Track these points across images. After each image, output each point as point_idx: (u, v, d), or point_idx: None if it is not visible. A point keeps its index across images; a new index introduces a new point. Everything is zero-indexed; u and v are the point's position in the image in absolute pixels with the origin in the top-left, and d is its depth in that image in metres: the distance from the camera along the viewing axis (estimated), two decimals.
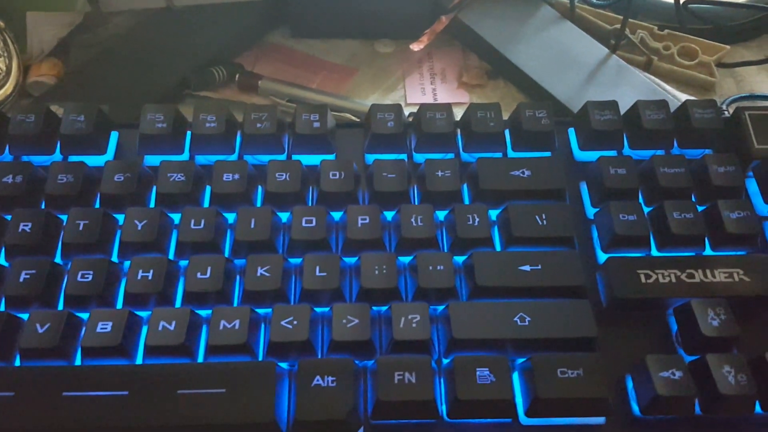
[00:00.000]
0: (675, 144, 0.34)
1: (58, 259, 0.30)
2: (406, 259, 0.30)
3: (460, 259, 0.31)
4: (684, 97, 0.41)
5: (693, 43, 0.44)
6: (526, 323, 0.28)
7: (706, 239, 0.31)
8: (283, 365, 0.28)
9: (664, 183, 0.31)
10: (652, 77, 0.42)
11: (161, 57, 0.45)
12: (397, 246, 0.30)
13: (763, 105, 0.41)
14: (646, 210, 0.32)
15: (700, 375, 0.27)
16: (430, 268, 0.29)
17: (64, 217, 0.31)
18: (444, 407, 0.27)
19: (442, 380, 0.27)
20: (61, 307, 0.29)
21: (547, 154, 0.34)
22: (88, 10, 0.43)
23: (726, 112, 0.38)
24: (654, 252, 0.31)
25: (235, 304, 0.29)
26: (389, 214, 0.32)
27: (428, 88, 0.44)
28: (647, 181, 0.32)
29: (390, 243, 0.31)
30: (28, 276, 0.29)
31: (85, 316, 0.28)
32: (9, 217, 0.30)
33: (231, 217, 0.32)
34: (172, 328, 0.27)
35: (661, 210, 0.31)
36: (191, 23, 0.45)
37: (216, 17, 0.45)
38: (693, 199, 0.32)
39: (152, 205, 0.32)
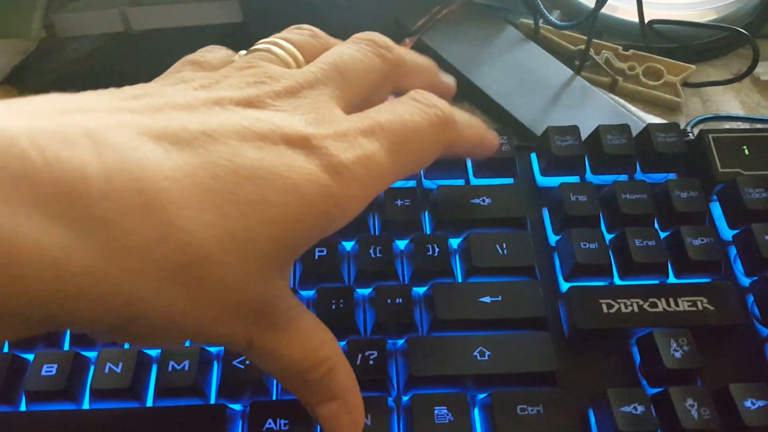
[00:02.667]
0: (638, 168, 0.34)
1: None
2: (364, 292, 0.30)
3: (420, 290, 0.30)
4: (650, 118, 0.41)
5: (658, 63, 0.43)
6: (486, 358, 0.27)
7: (669, 267, 0.30)
8: (237, 407, 0.27)
9: (625, 209, 0.31)
10: (617, 98, 0.42)
11: (122, 82, 0.44)
12: (356, 278, 0.30)
13: (730, 126, 0.41)
14: (608, 237, 0.31)
15: (662, 409, 0.26)
16: (389, 301, 0.28)
17: None
18: None
19: (401, 419, 0.26)
20: (5, 350, 0.28)
21: (510, 180, 0.33)
22: (43, 36, 0.42)
23: (690, 134, 0.37)
24: (617, 280, 0.30)
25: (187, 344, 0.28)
26: (348, 244, 0.31)
27: None
28: (609, 208, 0.32)
29: (348, 276, 0.30)
30: None
31: (30, 357, 0.27)
32: None
33: None
34: (118, 369, 0.26)
35: (623, 237, 0.30)
36: (151, 47, 0.44)
37: (176, 41, 0.44)
38: (656, 225, 0.32)
39: None
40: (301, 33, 0.26)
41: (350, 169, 0.21)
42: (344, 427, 0.23)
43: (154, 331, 0.18)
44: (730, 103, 0.43)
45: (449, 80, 0.30)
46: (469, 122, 0.27)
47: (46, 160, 0.16)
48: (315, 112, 0.22)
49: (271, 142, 0.20)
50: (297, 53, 0.25)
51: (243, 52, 0.26)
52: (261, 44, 0.26)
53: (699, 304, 0.29)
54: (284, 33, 0.27)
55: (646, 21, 0.43)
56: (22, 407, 0.27)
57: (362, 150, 0.22)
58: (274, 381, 0.27)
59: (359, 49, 0.25)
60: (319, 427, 0.26)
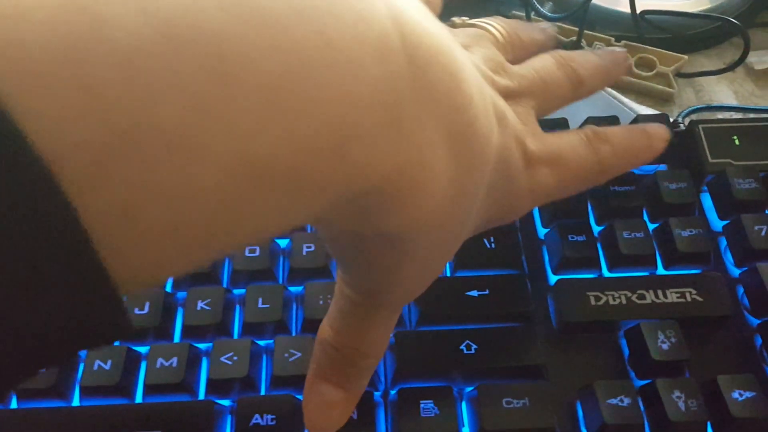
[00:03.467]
0: None
1: None
2: None
3: None
4: (642, 109, 0.40)
5: (650, 53, 0.43)
6: (473, 351, 0.27)
7: (658, 258, 0.30)
8: (225, 402, 0.27)
9: (614, 201, 0.31)
10: (610, 90, 0.41)
11: None
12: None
13: (723, 116, 0.41)
14: (597, 229, 0.31)
15: (650, 400, 0.26)
16: None
17: None
18: None
19: (388, 413, 0.27)
20: None
21: None
22: None
23: (682, 125, 0.37)
24: (605, 273, 0.30)
25: (176, 340, 0.28)
26: None
27: None
28: (597, 200, 0.31)
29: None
30: None
31: None
32: None
33: None
34: (107, 367, 0.26)
35: (612, 229, 0.30)
36: None
37: None
38: (645, 216, 0.32)
39: None
40: (512, 26, 0.27)
41: (548, 195, 0.24)
42: (334, 417, 0.23)
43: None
44: (724, 92, 0.43)
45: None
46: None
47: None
48: (526, 124, 0.23)
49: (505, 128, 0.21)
50: (510, 44, 0.26)
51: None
52: (479, 21, 0.26)
53: (688, 295, 0.29)
54: (497, 20, 0.27)
55: (638, 11, 0.43)
56: (13, 404, 0.27)
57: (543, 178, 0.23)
58: (262, 376, 0.27)
59: (561, 69, 0.26)
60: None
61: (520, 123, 0.22)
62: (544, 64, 0.26)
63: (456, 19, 0.27)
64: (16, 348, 0.11)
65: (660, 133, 0.28)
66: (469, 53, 0.23)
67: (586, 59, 0.27)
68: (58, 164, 0.10)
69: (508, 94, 0.23)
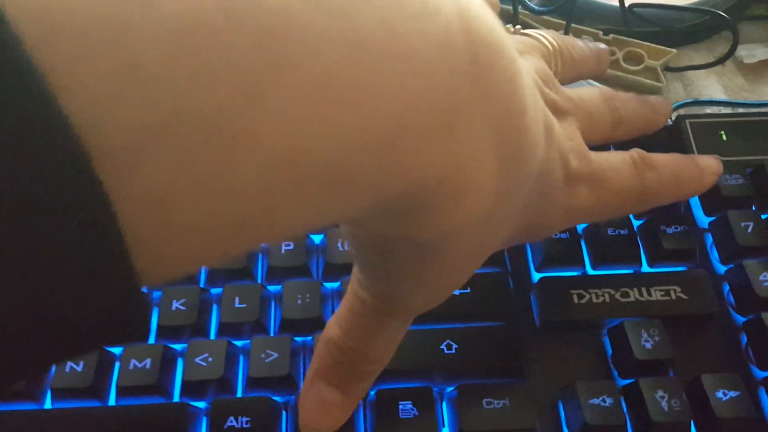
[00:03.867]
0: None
1: None
2: (333, 285, 0.29)
3: None
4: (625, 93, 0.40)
5: (639, 47, 0.43)
6: (453, 351, 0.27)
7: (642, 256, 0.30)
8: (200, 405, 0.26)
9: None
10: (597, 84, 0.41)
11: None
12: (324, 272, 0.29)
13: (711, 111, 0.40)
14: (581, 226, 0.30)
15: (633, 400, 0.26)
16: None
17: None
18: None
19: (367, 414, 0.26)
20: None
21: None
22: None
23: (669, 120, 0.36)
24: (589, 270, 0.30)
25: (151, 341, 0.28)
26: (316, 238, 0.31)
27: None
28: None
29: (317, 269, 0.30)
30: None
31: None
32: None
33: None
34: (80, 368, 0.26)
35: (596, 226, 0.29)
36: None
37: None
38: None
39: None
40: (563, 41, 0.27)
41: (584, 215, 0.23)
42: (330, 419, 0.23)
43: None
44: (713, 87, 0.42)
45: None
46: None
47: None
48: (571, 140, 0.22)
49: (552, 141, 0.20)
50: (560, 61, 0.26)
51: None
52: (531, 32, 0.26)
53: (672, 293, 0.29)
54: (549, 32, 0.27)
55: (626, 4, 0.43)
56: None
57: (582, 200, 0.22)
58: (239, 378, 0.27)
59: (605, 104, 0.26)
60: (284, 423, 0.26)
61: (566, 138, 0.21)
62: (590, 94, 0.25)
63: (510, 27, 0.26)
64: (22, 335, 0.10)
65: (712, 166, 0.27)
66: (522, 60, 0.22)
67: (628, 99, 0.27)
68: (92, 143, 0.09)
69: (555, 109, 0.22)
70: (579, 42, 0.28)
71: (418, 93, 0.13)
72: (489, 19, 0.15)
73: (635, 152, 0.24)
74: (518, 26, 0.26)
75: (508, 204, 0.17)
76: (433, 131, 0.14)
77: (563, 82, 0.25)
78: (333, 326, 0.22)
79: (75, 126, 0.09)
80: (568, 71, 0.26)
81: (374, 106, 0.12)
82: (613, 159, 0.24)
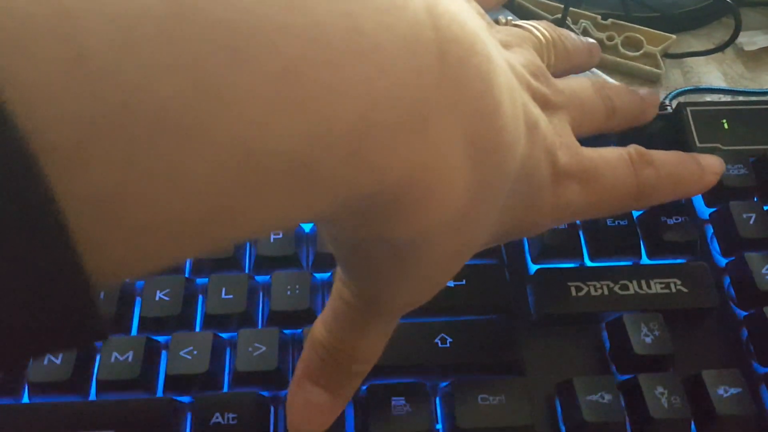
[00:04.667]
0: (613, 145, 0.32)
1: None
2: (323, 276, 0.28)
3: None
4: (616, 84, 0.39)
5: (638, 32, 0.42)
6: (447, 345, 0.26)
7: (642, 247, 0.29)
8: (185, 400, 0.25)
9: None
10: (596, 70, 0.40)
11: None
12: (314, 263, 0.28)
13: (711, 99, 0.40)
14: None
15: (631, 396, 0.25)
16: None
17: None
18: None
19: (358, 411, 0.25)
20: None
21: None
22: None
23: (669, 107, 0.36)
24: (587, 262, 0.29)
25: (133, 333, 0.27)
26: (306, 226, 0.30)
27: None
28: None
29: (307, 260, 0.29)
30: None
31: None
32: None
33: None
34: (58, 361, 0.25)
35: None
36: None
37: None
38: None
39: None
40: (556, 33, 0.26)
41: (574, 213, 0.22)
42: (318, 420, 0.22)
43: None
44: (712, 74, 0.42)
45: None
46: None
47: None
48: (560, 136, 0.21)
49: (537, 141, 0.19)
50: (553, 53, 0.25)
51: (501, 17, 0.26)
52: (522, 23, 0.25)
53: (672, 286, 0.28)
54: (540, 23, 0.26)
55: None
56: None
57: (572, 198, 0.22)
58: (225, 372, 0.26)
59: (597, 94, 0.25)
60: (273, 419, 0.25)
61: (553, 133, 0.21)
62: (582, 85, 0.25)
63: (501, 18, 0.25)
64: None
65: (714, 165, 0.26)
66: (509, 53, 0.21)
67: (620, 90, 0.26)
68: (37, 137, 0.09)
69: (545, 103, 0.21)
70: (572, 34, 0.27)
71: (384, 90, 0.13)
72: (460, 14, 0.15)
73: (632, 148, 0.24)
74: (510, 17, 0.25)
75: (484, 203, 0.17)
76: (401, 129, 0.13)
77: (557, 75, 0.24)
78: (319, 327, 0.21)
79: (20, 120, 0.09)
80: (561, 63, 0.26)
81: (338, 103, 0.12)
82: (609, 155, 0.23)
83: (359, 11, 0.12)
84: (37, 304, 0.10)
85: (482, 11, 0.21)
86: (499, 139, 0.16)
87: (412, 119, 0.13)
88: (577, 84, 0.25)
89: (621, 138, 0.31)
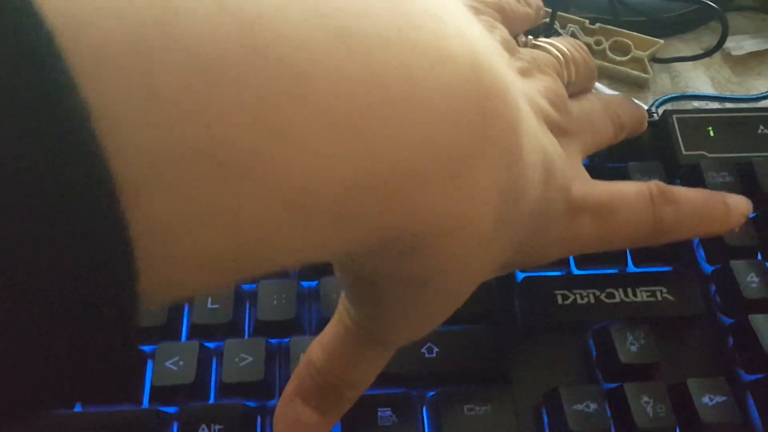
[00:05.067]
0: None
1: None
2: (310, 285, 0.28)
3: None
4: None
5: (626, 37, 0.42)
6: (434, 354, 0.26)
7: (628, 255, 0.29)
8: (171, 411, 0.25)
9: None
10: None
11: None
12: (302, 271, 0.28)
13: (699, 105, 0.40)
14: None
15: (617, 405, 0.25)
16: (335, 295, 0.27)
17: None
18: None
19: (344, 422, 0.25)
20: None
21: None
22: None
23: (655, 114, 0.36)
24: (573, 270, 0.29)
25: None
26: None
27: None
28: None
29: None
30: None
31: None
32: None
33: None
34: None
35: None
36: None
37: None
38: None
39: None
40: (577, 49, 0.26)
41: (585, 246, 0.22)
42: None
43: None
44: (700, 79, 0.42)
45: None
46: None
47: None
48: (573, 169, 0.21)
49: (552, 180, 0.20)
50: (573, 73, 0.24)
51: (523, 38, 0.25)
52: (543, 42, 0.25)
53: (658, 294, 0.28)
54: (561, 41, 0.25)
55: None
56: None
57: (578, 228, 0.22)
58: (211, 382, 0.26)
59: (606, 112, 0.25)
60: (259, 431, 0.25)
61: (567, 168, 0.21)
62: (593, 106, 0.25)
63: (521, 38, 0.25)
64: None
65: (741, 206, 0.24)
66: (530, 82, 0.21)
67: (624, 103, 0.27)
68: (114, 164, 0.09)
69: (561, 132, 0.21)
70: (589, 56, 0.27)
71: (431, 140, 0.13)
72: (495, 63, 0.15)
73: (654, 184, 0.23)
74: (530, 37, 0.25)
75: (498, 246, 0.17)
76: (440, 178, 0.14)
77: (577, 92, 0.24)
78: (316, 349, 0.21)
79: (103, 144, 0.09)
80: (582, 79, 0.25)
81: (388, 150, 0.12)
82: (627, 190, 0.22)
83: (414, 63, 0.12)
84: (93, 328, 0.10)
85: (507, 36, 0.21)
86: (519, 186, 0.17)
87: (451, 169, 0.14)
88: (589, 105, 0.25)
89: (607, 148, 0.32)
